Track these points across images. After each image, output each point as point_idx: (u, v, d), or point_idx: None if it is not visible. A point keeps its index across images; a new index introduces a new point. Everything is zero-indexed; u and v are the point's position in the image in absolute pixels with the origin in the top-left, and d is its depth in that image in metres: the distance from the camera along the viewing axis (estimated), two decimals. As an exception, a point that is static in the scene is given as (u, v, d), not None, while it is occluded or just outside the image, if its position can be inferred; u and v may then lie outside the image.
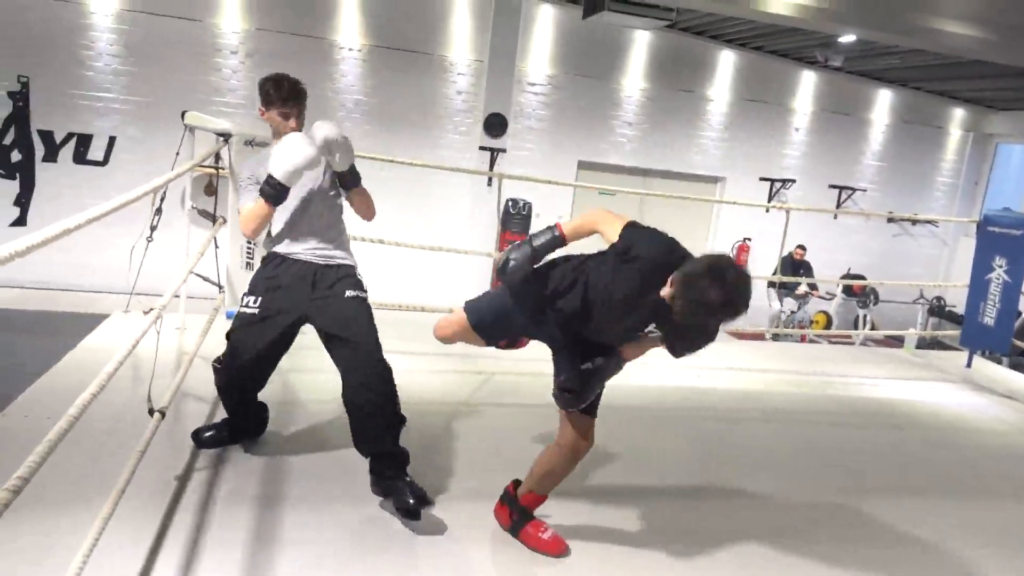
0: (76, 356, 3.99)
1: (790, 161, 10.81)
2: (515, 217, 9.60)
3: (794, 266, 10.14)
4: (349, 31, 8.85)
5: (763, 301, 9.96)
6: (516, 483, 2.78)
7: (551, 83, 9.72)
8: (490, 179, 9.18)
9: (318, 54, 8.78)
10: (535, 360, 4.95)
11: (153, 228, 4.20)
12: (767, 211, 9.86)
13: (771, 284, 9.52)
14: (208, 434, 3.10)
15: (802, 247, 10.24)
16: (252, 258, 4.19)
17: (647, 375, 4.41)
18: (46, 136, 8.20)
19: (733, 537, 2.92)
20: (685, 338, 2.43)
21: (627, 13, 7.87)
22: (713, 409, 4.54)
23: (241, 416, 3.15)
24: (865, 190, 11.17)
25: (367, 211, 3.08)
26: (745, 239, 10.50)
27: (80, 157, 8.32)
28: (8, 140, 8.11)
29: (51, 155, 8.24)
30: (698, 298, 2.09)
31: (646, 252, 2.30)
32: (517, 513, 2.72)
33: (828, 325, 10.62)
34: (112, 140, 8.38)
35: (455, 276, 8.67)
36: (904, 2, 6.82)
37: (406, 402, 3.43)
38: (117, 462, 2.60)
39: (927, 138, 11.43)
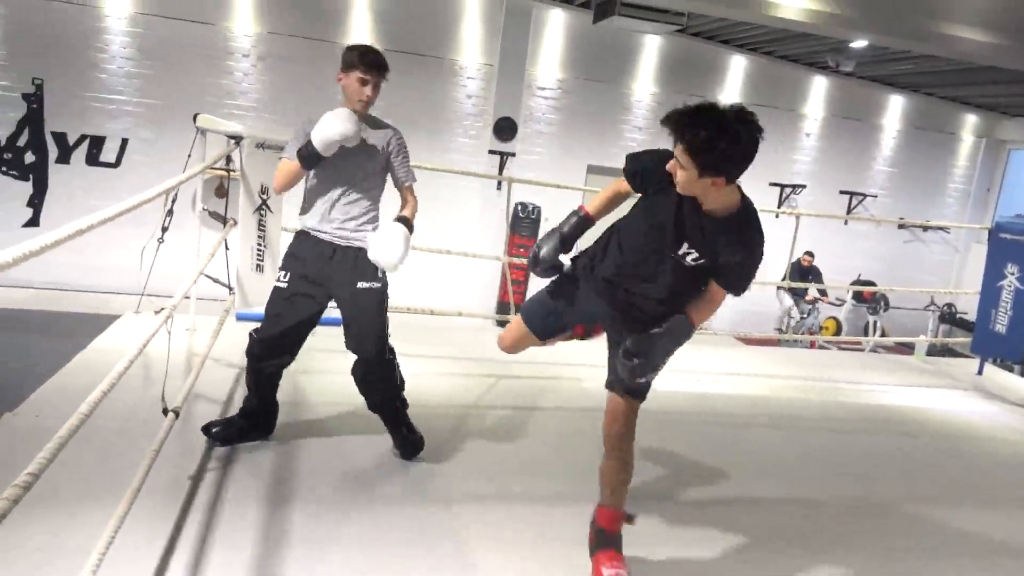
0: (87, 356, 4.02)
1: (800, 166, 10.78)
2: (524, 221, 9.61)
3: (802, 272, 10.10)
4: (360, 35, 8.89)
5: (770, 307, 9.92)
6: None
7: (561, 87, 9.73)
8: (499, 183, 9.19)
9: (329, 58, 8.78)
10: (547, 364, 4.95)
11: (164, 230, 4.23)
12: (776, 217, 9.82)
13: (780, 288, 9.49)
14: (217, 429, 3.13)
15: (810, 253, 10.19)
16: (262, 260, 4.21)
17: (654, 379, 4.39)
18: (59, 138, 8.27)
19: (739, 543, 2.91)
20: (730, 244, 2.21)
21: (638, 18, 7.88)
22: (720, 414, 4.52)
23: (260, 407, 3.19)
24: (876, 196, 11.12)
25: (409, 203, 3.13)
26: (755, 244, 10.47)
27: (93, 159, 8.39)
28: (22, 142, 8.19)
29: (64, 157, 8.32)
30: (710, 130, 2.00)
31: (648, 158, 2.31)
32: (593, 532, 2.55)
33: (838, 331, 10.57)
34: (125, 142, 8.45)
35: (464, 279, 8.69)
36: (916, 7, 6.79)
37: (415, 404, 3.46)
38: (128, 462, 2.61)
39: (939, 144, 11.37)
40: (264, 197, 4.16)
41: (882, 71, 10.14)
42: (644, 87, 9.94)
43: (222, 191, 4.45)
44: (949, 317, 10.92)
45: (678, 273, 2.31)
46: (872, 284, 10.50)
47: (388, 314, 3.10)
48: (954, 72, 9.24)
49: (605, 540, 2.51)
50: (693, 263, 2.26)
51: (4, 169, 8.18)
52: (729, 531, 3.01)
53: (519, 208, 9.59)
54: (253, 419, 3.20)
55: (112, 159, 8.44)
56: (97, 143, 8.37)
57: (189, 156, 4.27)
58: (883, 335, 10.02)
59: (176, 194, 4.12)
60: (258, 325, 3.10)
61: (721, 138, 2.00)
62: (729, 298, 2.38)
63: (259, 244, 4.20)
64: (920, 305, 10.84)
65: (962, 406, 5.28)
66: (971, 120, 11.38)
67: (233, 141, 4.12)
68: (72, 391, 3.33)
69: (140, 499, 2.35)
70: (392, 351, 3.13)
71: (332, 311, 3.14)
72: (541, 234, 9.56)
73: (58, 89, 8.14)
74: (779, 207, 10.36)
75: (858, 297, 10.67)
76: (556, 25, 9.53)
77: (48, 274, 7.76)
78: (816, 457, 4.02)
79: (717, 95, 10.15)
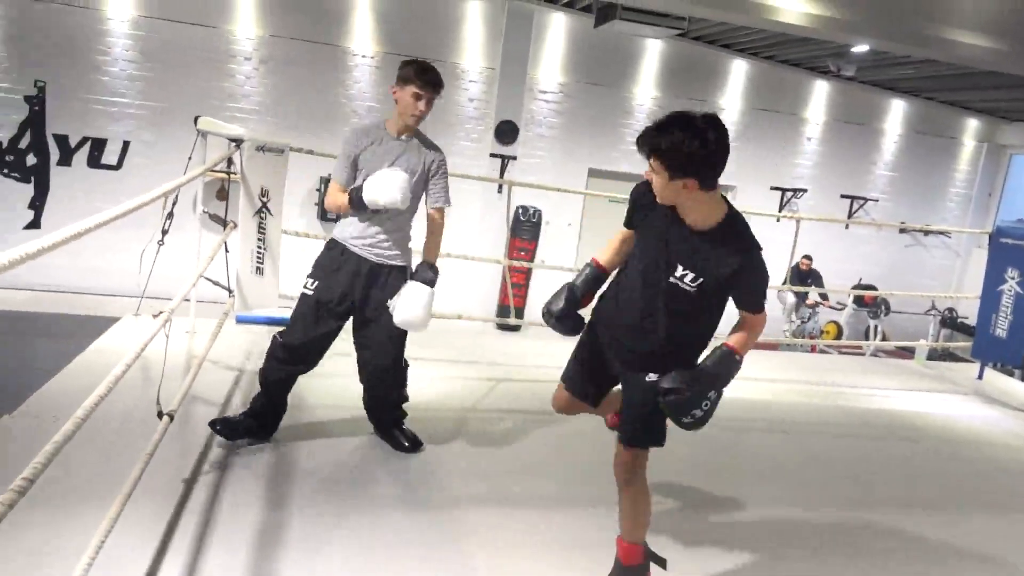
0: (86, 359, 4.02)
1: (802, 170, 10.78)
2: (525, 224, 9.61)
3: (800, 276, 10.09)
4: (362, 38, 8.90)
5: (772, 311, 9.91)
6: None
7: (562, 91, 9.74)
8: (500, 186, 9.20)
9: (331, 61, 8.84)
10: (545, 367, 4.95)
11: (164, 232, 4.23)
12: (778, 220, 9.83)
13: (781, 289, 9.48)
14: (221, 425, 3.16)
15: (808, 257, 10.17)
16: (262, 263, 4.21)
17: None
18: (61, 140, 8.28)
19: (738, 547, 2.90)
20: (720, 257, 2.17)
21: (639, 22, 7.88)
22: (719, 417, 4.43)
23: (269, 408, 3.22)
24: (877, 200, 11.12)
25: (435, 234, 3.25)
26: (755, 248, 10.47)
27: (94, 161, 8.40)
28: (24, 144, 8.19)
29: (66, 159, 8.32)
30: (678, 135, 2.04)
31: (635, 192, 2.37)
32: (614, 563, 2.51)
33: (838, 335, 10.57)
34: (126, 145, 8.46)
35: (464, 283, 8.67)
36: (917, 12, 6.79)
37: (417, 407, 3.46)
38: (124, 464, 2.61)
39: (940, 148, 11.37)
40: (264, 200, 4.16)
41: (883, 76, 10.15)
42: (645, 91, 9.95)
43: (223, 194, 4.46)
44: (950, 321, 10.92)
45: (680, 303, 2.26)
46: (873, 288, 10.50)
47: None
48: (955, 77, 9.24)
49: (618, 572, 2.49)
50: (693, 284, 2.22)
51: (6, 171, 8.18)
52: (727, 534, 3.00)
53: (520, 211, 9.59)
54: (261, 420, 3.23)
55: (114, 161, 8.45)
56: (99, 145, 8.38)
57: (190, 159, 4.28)
58: (884, 339, 10.00)
59: (177, 197, 4.13)
60: (282, 328, 3.18)
61: (687, 138, 2.04)
62: (730, 304, 2.35)
63: (259, 247, 4.20)
64: (921, 309, 10.84)
65: (962, 411, 5.27)
66: (972, 125, 11.38)
67: (234, 144, 4.13)
68: (71, 393, 3.33)
69: (134, 502, 2.35)
70: (406, 361, 3.28)
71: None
72: (541, 238, 9.65)
73: (60, 91, 8.16)
74: (780, 211, 10.36)
75: (859, 301, 10.67)
76: (558, 29, 9.54)
77: (49, 276, 7.77)
78: (815, 461, 4.01)
79: (718, 99, 10.16)
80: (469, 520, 2.85)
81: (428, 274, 3.12)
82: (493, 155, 9.44)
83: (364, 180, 2.97)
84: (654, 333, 2.34)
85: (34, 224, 8.29)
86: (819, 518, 3.32)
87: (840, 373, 5.92)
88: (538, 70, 9.58)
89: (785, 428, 4.46)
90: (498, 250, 9.32)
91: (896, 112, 10.99)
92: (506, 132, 9.42)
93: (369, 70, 8.99)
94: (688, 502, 3.30)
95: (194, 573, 2.33)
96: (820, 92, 10.61)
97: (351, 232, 3.09)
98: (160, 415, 2.80)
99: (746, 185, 10.35)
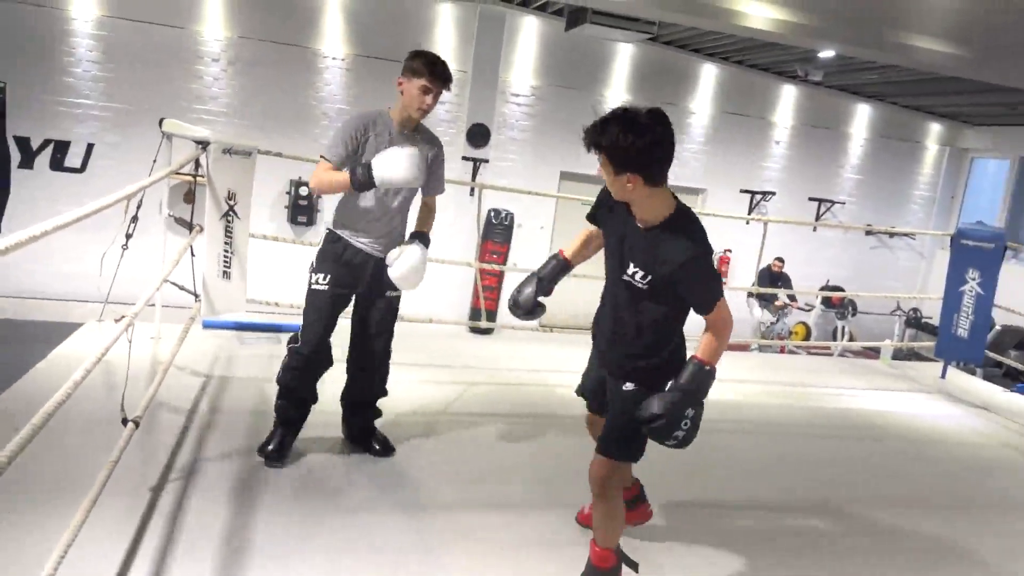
0: (46, 365, 3.93)
1: (770, 174, 10.92)
2: (497, 227, 9.61)
3: (772, 278, 10.22)
4: (332, 40, 8.84)
5: (743, 312, 10.02)
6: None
7: (534, 94, 9.76)
8: (472, 189, 9.18)
9: (301, 63, 8.77)
10: (518, 370, 4.95)
11: (129, 236, 4.15)
12: (747, 223, 9.94)
13: (751, 295, 9.60)
14: (268, 459, 3.12)
15: (780, 259, 10.33)
16: (229, 267, 4.15)
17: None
18: (23, 143, 8.10)
19: (703, 545, 2.92)
20: (657, 250, 2.18)
21: (609, 26, 7.95)
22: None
23: (301, 414, 3.22)
24: (844, 203, 11.30)
25: (430, 214, 3.30)
26: (725, 251, 10.58)
27: (57, 164, 8.23)
28: (-16, 146, 8.01)
29: (28, 162, 8.14)
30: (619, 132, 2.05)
31: (600, 193, 2.39)
32: (586, 565, 2.53)
33: (807, 336, 10.72)
34: (90, 147, 8.30)
35: (436, 286, 8.62)
36: (882, 19, 6.91)
37: (389, 411, 3.44)
38: (89, 472, 2.56)
39: (904, 152, 11.60)
40: (231, 203, 4.11)
41: (849, 80, 10.33)
42: (617, 94, 10.01)
43: (190, 197, 4.39)
44: (915, 321, 11.14)
45: (640, 301, 2.27)
46: (840, 289, 10.68)
47: None
48: (919, 82, 9.43)
49: (590, 574, 2.52)
50: (644, 282, 2.22)
51: (-35, 174, 7.99)
52: (694, 534, 3.02)
53: (492, 214, 9.59)
54: (296, 425, 3.23)
55: (77, 164, 8.29)
56: (62, 148, 8.21)
57: (155, 161, 4.21)
58: (851, 339, 10.17)
59: (142, 200, 4.06)
60: (292, 335, 3.18)
61: (629, 133, 2.05)
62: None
63: (226, 251, 4.14)
64: (887, 310, 11.04)
65: (926, 409, 5.37)
66: (935, 129, 11.63)
67: (200, 146, 4.07)
68: (31, 401, 3.25)
69: (97, 509, 2.30)
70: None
71: (292, 317, 3.15)
72: (514, 241, 9.65)
73: (22, 92, 7.97)
74: (749, 214, 10.49)
75: (827, 302, 10.85)
76: (529, 32, 9.56)
77: (12, 281, 7.60)
78: (781, 461, 4.05)
79: (688, 103, 10.26)
80: (440, 525, 2.84)
81: (425, 239, 3.17)
82: (465, 158, 9.44)
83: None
84: (625, 335, 2.36)
85: (-6, 228, 8.10)
86: (785, 517, 3.36)
87: (808, 373, 6.00)
88: (510, 73, 9.59)
89: (754, 429, 4.51)
90: (470, 253, 9.29)
91: (862, 116, 11.19)
92: (478, 135, 9.41)
93: (339, 72, 8.93)
94: (657, 503, 3.31)
95: (159, 583, 2.29)
96: (788, 96, 10.76)
97: (354, 227, 3.08)
98: (125, 422, 2.75)
99: (716, 188, 10.46)
